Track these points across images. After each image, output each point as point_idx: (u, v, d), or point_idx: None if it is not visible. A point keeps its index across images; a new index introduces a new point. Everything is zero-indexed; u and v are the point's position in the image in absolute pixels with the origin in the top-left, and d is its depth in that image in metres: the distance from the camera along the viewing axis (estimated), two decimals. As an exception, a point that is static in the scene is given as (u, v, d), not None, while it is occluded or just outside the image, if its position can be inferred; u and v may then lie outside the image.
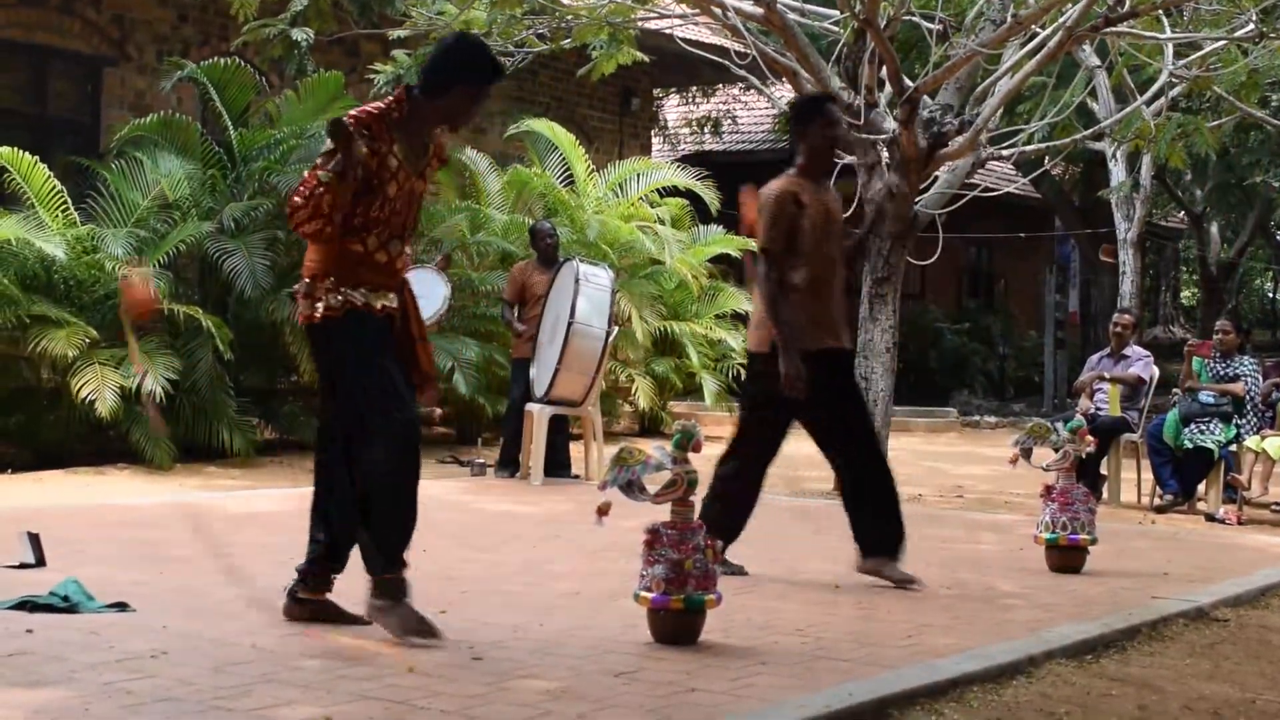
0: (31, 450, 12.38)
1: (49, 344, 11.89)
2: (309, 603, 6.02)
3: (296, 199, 5.69)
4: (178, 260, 13.32)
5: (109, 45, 14.63)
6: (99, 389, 11.89)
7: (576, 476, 12.50)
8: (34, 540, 7.22)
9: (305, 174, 5.77)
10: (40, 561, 7.13)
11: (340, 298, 5.77)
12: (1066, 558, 8.18)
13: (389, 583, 5.73)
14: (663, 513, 5.88)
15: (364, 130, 5.71)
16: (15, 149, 12.57)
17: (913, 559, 8.48)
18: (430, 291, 11.63)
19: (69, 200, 12.85)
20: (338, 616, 5.98)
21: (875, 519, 7.67)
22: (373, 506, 5.74)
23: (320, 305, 5.78)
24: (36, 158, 12.67)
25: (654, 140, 23.72)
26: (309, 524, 6.04)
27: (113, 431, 12.55)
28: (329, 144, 5.66)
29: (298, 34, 10.65)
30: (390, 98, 5.94)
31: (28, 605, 6.10)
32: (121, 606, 6.22)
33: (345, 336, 5.80)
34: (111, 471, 12.35)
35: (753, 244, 7.83)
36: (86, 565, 7.25)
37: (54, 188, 12.74)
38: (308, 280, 5.85)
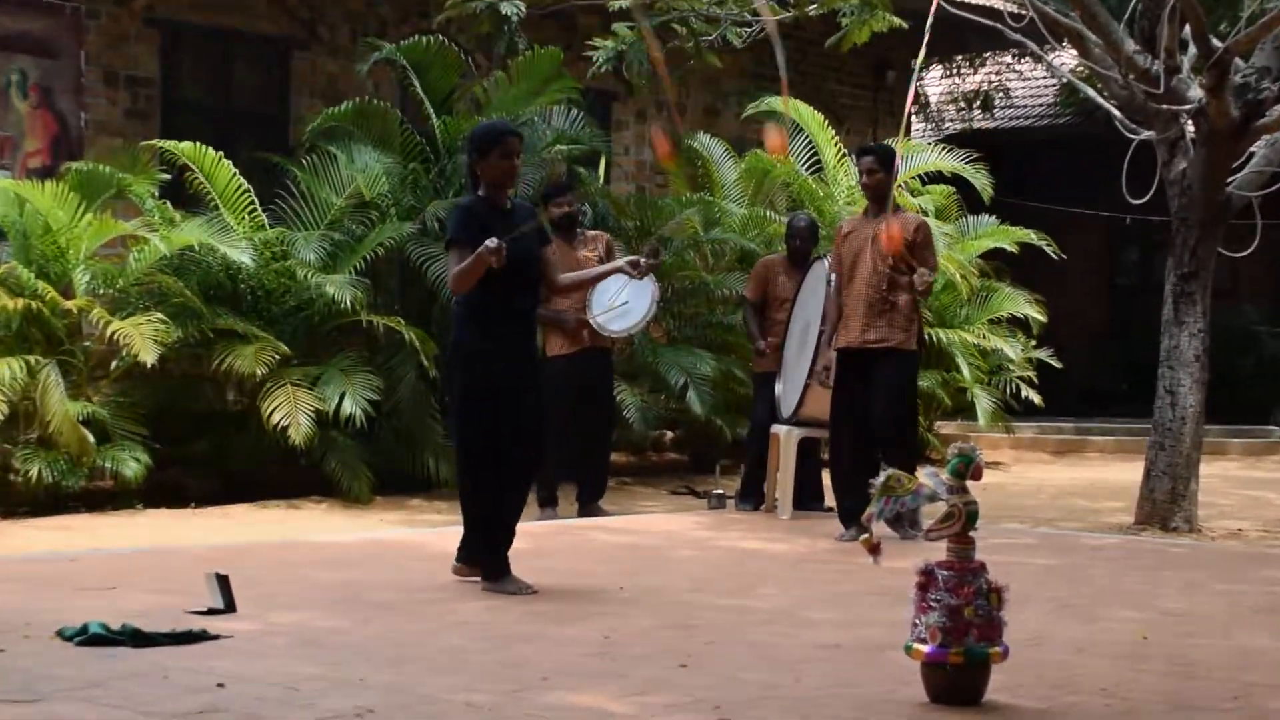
0: (218, 481, 12.66)
1: (235, 361, 12.17)
2: None
3: None
4: (375, 266, 13.53)
5: (298, 26, 14.96)
6: (291, 413, 12.10)
7: (830, 509, 12.39)
8: (223, 583, 7.33)
9: None
10: (230, 607, 7.24)
11: None
12: None
13: None
14: (937, 550, 5.77)
15: None
16: (198, 144, 12.89)
17: (1235, 602, 8.24)
18: (637, 292, 11.52)
19: (256, 201, 13.13)
20: None
21: None
22: None
23: None
24: (221, 154, 12.98)
25: (914, 119, 23.54)
26: None
27: (306, 460, 12.76)
28: None
29: (507, 8, 10.75)
30: None
31: (94, 639, 6.45)
32: (200, 636, 6.62)
33: None
34: (306, 505, 12.62)
35: None
36: (279, 611, 7.39)
37: (240, 186, 13.04)
38: None
